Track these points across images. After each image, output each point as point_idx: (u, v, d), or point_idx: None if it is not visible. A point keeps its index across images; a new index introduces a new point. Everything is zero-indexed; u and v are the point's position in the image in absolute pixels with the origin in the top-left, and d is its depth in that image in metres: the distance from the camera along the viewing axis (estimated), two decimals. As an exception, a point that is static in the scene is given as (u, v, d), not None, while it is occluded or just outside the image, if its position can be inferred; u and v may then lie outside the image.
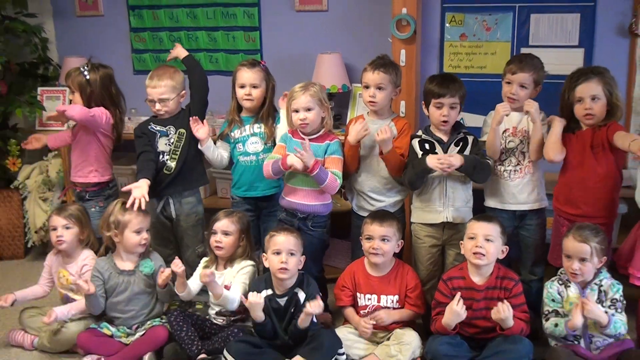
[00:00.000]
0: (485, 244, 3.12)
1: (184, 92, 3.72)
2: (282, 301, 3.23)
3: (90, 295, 3.32)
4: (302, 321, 3.12)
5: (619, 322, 2.96)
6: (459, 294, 3.09)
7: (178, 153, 3.68)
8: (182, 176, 3.70)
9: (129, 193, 3.40)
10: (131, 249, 3.43)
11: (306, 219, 3.47)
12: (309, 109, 3.38)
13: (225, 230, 3.40)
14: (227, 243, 3.39)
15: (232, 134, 3.75)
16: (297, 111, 3.39)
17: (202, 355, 3.22)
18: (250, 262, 3.45)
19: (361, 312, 3.38)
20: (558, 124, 3.27)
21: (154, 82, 3.62)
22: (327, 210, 3.53)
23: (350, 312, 3.42)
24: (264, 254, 3.29)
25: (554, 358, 3.05)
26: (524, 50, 3.87)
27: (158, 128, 3.69)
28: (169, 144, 3.68)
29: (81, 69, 3.75)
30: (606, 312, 2.97)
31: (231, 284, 3.35)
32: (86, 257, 3.57)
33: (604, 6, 3.94)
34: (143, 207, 3.37)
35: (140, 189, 3.41)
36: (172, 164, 3.67)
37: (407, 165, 3.42)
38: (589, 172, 3.24)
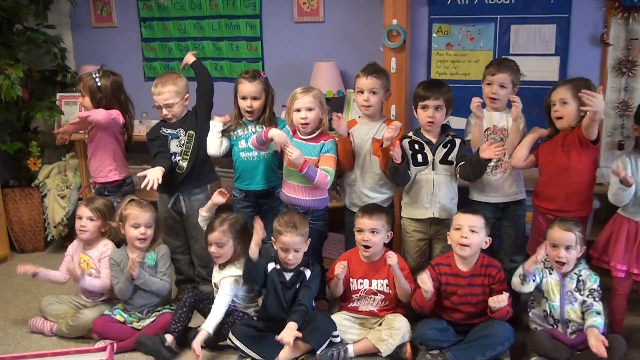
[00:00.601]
0: (470, 235, 3.13)
1: (187, 95, 3.71)
2: (289, 276, 3.25)
3: (127, 280, 3.36)
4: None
5: (600, 314, 2.97)
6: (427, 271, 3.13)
7: (189, 153, 3.68)
8: (193, 175, 3.71)
9: (143, 179, 3.38)
10: (130, 242, 3.45)
11: (306, 213, 3.47)
12: (310, 109, 3.39)
13: (218, 242, 3.33)
14: (222, 253, 3.35)
15: (235, 132, 3.74)
16: (299, 110, 3.39)
17: (170, 337, 3.21)
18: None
19: (353, 296, 3.39)
20: (533, 134, 3.28)
21: (158, 89, 3.62)
22: (323, 204, 3.54)
23: (333, 283, 3.38)
24: (273, 238, 3.30)
25: (532, 341, 3.07)
26: (504, 59, 3.87)
27: (169, 131, 3.69)
28: (180, 146, 3.68)
29: (93, 75, 3.76)
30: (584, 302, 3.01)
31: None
32: (105, 244, 3.59)
33: (577, 17, 3.94)
34: (155, 187, 3.36)
35: (155, 172, 3.41)
36: (184, 164, 3.68)
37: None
38: (562, 170, 3.25)
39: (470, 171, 3.33)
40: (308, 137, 3.45)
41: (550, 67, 3.95)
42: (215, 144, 3.70)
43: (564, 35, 3.97)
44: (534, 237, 3.43)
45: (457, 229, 3.17)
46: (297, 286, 3.26)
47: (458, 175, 3.41)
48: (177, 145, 3.69)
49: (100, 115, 3.64)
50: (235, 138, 3.73)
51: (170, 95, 3.61)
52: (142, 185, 3.36)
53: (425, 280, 3.06)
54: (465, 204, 3.48)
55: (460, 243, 3.14)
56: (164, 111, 3.64)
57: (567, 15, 3.95)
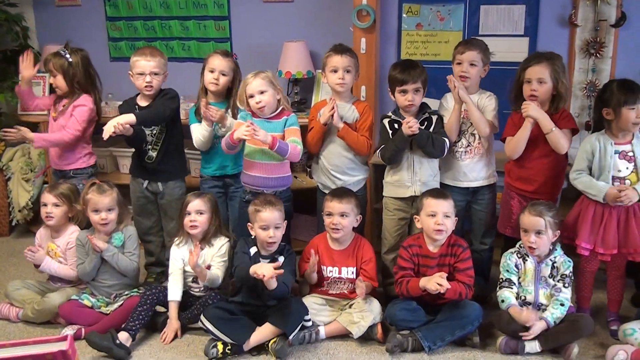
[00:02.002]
0: (445, 221, 3.14)
1: (167, 73, 3.65)
2: (265, 261, 3.20)
3: (93, 259, 3.32)
4: (267, 283, 3.06)
5: (564, 306, 3.03)
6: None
7: (159, 144, 3.63)
8: (163, 167, 3.66)
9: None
10: (94, 226, 3.39)
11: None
12: (262, 92, 3.34)
13: (199, 210, 3.35)
14: (202, 222, 3.36)
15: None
16: (252, 96, 3.36)
17: (126, 335, 3.13)
18: (225, 239, 3.43)
19: (325, 282, 3.38)
20: (528, 125, 3.23)
21: (147, 57, 3.54)
22: (287, 182, 3.52)
23: (308, 272, 3.39)
24: (249, 223, 3.26)
25: (500, 321, 3.10)
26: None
27: None
28: (151, 135, 3.62)
29: (61, 52, 3.67)
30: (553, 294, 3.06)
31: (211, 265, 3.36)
32: (72, 231, 3.53)
33: (546, -1, 3.96)
34: (119, 130, 3.32)
35: (121, 118, 3.37)
36: (153, 154, 3.63)
37: (382, 143, 3.40)
38: (540, 151, 3.28)
39: (393, 149, 3.33)
40: (270, 115, 3.43)
41: (519, 47, 3.95)
42: (205, 142, 3.62)
43: (533, 16, 3.98)
44: (504, 217, 3.46)
45: (432, 215, 3.16)
46: None
47: (379, 155, 3.40)
48: (148, 134, 3.62)
49: (65, 136, 3.64)
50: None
51: (158, 64, 3.55)
52: (106, 134, 3.31)
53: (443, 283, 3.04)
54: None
55: (436, 229, 3.14)
56: (147, 78, 3.53)
57: (536, -5, 3.96)
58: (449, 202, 3.18)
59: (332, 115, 3.36)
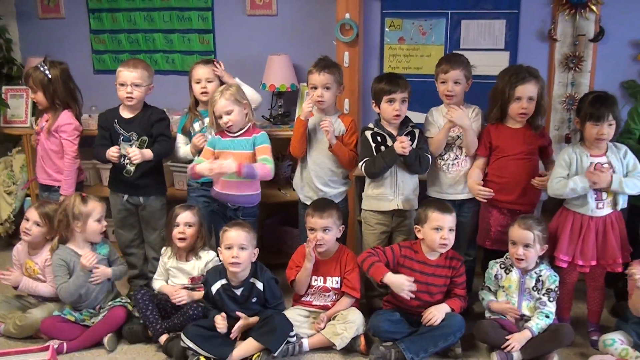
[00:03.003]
0: (449, 235, 3.16)
1: (152, 85, 3.65)
2: (238, 291, 3.20)
3: (80, 278, 3.27)
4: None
5: (549, 318, 3.07)
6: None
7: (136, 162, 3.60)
8: (142, 181, 3.64)
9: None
10: (93, 237, 3.37)
11: (237, 210, 3.50)
12: (228, 112, 3.38)
13: (188, 222, 3.36)
14: (190, 234, 3.36)
15: (193, 126, 3.72)
16: (220, 117, 3.40)
17: (165, 336, 3.18)
18: (214, 253, 3.41)
19: (308, 290, 3.39)
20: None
21: (130, 68, 3.55)
22: (255, 201, 3.54)
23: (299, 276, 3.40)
24: (219, 247, 3.25)
25: (479, 330, 3.12)
26: (456, 53, 3.91)
27: (122, 132, 3.60)
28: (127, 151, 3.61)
29: (40, 67, 3.66)
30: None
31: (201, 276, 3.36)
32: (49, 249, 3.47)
33: (526, 14, 4.00)
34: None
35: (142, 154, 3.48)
36: (131, 169, 3.60)
37: (364, 156, 3.39)
38: (521, 165, 3.33)
39: (382, 164, 3.34)
40: (238, 133, 3.45)
41: (500, 61, 3.98)
42: (185, 154, 3.71)
43: (514, 30, 4.03)
44: (483, 230, 3.49)
45: (437, 229, 3.16)
46: (254, 300, 3.22)
47: (363, 169, 3.39)
48: (125, 149, 3.59)
49: (69, 166, 3.71)
50: (193, 133, 3.71)
51: (141, 75, 3.55)
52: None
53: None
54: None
55: (442, 244, 3.16)
56: (128, 89, 3.53)
57: (516, 11, 4.01)
58: (453, 216, 3.20)
59: (327, 131, 3.37)
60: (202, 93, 3.65)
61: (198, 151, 3.58)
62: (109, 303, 3.38)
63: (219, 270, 3.25)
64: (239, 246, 3.15)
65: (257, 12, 4.48)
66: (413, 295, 3.11)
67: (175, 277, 3.41)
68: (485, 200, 3.36)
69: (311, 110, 3.42)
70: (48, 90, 3.66)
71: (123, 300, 3.40)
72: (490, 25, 4.07)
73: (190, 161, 3.62)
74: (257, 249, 3.26)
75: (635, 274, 2.94)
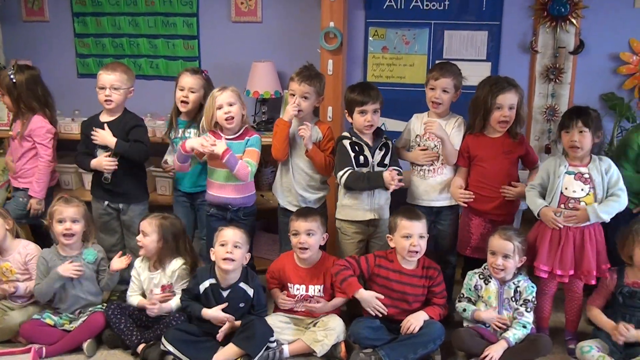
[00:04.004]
0: (420, 242, 3.17)
1: (132, 89, 3.63)
2: (225, 293, 3.19)
3: (54, 281, 3.26)
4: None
5: (526, 328, 3.10)
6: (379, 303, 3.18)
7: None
8: (121, 188, 3.63)
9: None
10: (58, 239, 3.34)
11: (238, 211, 3.49)
12: (231, 104, 3.38)
13: (143, 231, 3.33)
14: (145, 243, 3.32)
15: (171, 135, 3.76)
16: (220, 108, 3.37)
17: (142, 345, 3.15)
18: (181, 261, 3.36)
19: (292, 300, 3.38)
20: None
21: (109, 70, 3.54)
22: (251, 201, 3.56)
23: (275, 291, 3.43)
24: (212, 248, 3.24)
25: (457, 338, 3.13)
26: (438, 63, 3.95)
27: (92, 133, 3.57)
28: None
29: (8, 72, 3.66)
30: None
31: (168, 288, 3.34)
32: (25, 245, 3.46)
33: (508, 26, 4.06)
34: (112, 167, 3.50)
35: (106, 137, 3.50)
36: (109, 176, 3.60)
37: (342, 164, 3.38)
38: (500, 174, 3.36)
39: (365, 185, 3.35)
40: (233, 136, 3.44)
41: (482, 72, 4.01)
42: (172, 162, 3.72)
43: (495, 42, 4.08)
44: (463, 238, 3.51)
45: (407, 236, 3.17)
46: (241, 305, 3.21)
47: (343, 179, 3.37)
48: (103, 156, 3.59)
49: (43, 168, 3.72)
50: (172, 139, 3.73)
51: (119, 78, 3.53)
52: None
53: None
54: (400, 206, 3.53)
55: (411, 251, 3.17)
56: (107, 92, 3.52)
57: (498, 23, 4.06)
58: (422, 223, 3.21)
59: (304, 136, 3.38)
60: (182, 102, 3.65)
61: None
62: (90, 309, 3.35)
63: (209, 269, 3.24)
64: (233, 243, 3.15)
65: (242, 19, 4.49)
66: (380, 314, 3.16)
67: (146, 282, 3.38)
68: (465, 205, 3.38)
69: (296, 113, 3.42)
70: (13, 95, 3.68)
71: (104, 307, 3.37)
72: (473, 36, 4.12)
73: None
74: (250, 253, 3.26)
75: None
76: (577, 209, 3.10)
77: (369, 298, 3.17)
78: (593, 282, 3.17)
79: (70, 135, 4.24)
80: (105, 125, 3.54)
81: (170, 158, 3.76)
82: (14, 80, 3.64)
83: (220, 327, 3.13)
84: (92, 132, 3.53)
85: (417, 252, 3.18)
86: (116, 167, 3.51)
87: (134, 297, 3.40)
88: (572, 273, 3.17)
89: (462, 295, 3.26)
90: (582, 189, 3.12)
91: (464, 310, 3.20)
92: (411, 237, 3.16)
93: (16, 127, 3.78)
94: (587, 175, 3.12)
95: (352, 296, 3.19)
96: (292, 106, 3.42)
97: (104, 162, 3.53)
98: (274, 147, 3.51)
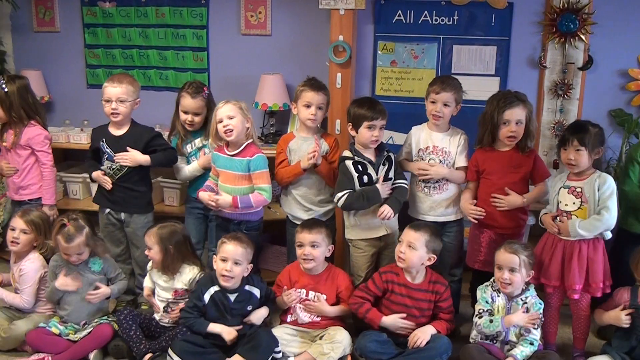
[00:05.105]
0: (406, 250, 3.18)
1: (138, 100, 3.64)
2: (233, 297, 3.20)
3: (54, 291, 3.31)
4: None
5: (533, 345, 3.08)
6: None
7: (115, 178, 3.59)
8: (124, 197, 3.63)
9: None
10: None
11: (240, 224, 3.48)
12: (230, 117, 3.37)
13: (147, 244, 3.34)
14: (152, 256, 3.33)
15: (185, 149, 3.75)
16: (221, 121, 3.38)
17: (149, 355, 3.15)
18: (197, 269, 3.37)
19: (296, 307, 3.38)
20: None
21: (115, 83, 3.55)
22: (257, 217, 3.54)
23: (280, 298, 3.41)
24: (214, 255, 3.25)
25: (465, 354, 3.11)
26: (447, 78, 3.96)
27: (107, 150, 3.59)
28: (110, 169, 3.60)
29: (0, 82, 3.71)
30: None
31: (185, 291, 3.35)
32: (31, 259, 3.45)
33: (517, 41, 4.08)
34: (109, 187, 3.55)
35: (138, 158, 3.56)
36: (109, 186, 3.62)
37: (344, 185, 3.37)
38: (508, 188, 3.35)
39: (363, 204, 3.35)
40: (235, 151, 3.43)
41: (490, 87, 4.05)
42: (186, 175, 3.77)
43: (504, 57, 4.10)
44: (472, 251, 3.51)
45: (399, 242, 3.23)
46: (249, 308, 3.23)
47: (342, 201, 3.36)
48: (108, 167, 3.60)
49: (48, 175, 3.79)
50: (187, 155, 3.77)
51: (126, 91, 3.54)
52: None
53: None
54: (409, 220, 3.54)
55: (397, 256, 3.21)
56: (113, 105, 3.53)
57: (507, 38, 4.08)
58: (418, 234, 3.20)
59: (315, 153, 3.40)
60: (188, 124, 3.70)
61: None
62: (95, 320, 3.36)
63: (212, 277, 3.25)
64: (233, 261, 3.15)
65: (252, 32, 4.52)
66: (409, 331, 3.19)
67: (161, 291, 3.39)
68: (476, 221, 3.38)
69: (313, 163, 3.43)
70: (5, 104, 3.71)
71: (110, 318, 3.37)
72: (481, 51, 4.14)
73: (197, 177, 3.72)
74: (252, 264, 3.26)
75: None
76: (563, 221, 3.15)
77: (393, 322, 3.20)
78: (575, 296, 3.17)
79: (79, 145, 4.26)
80: (128, 147, 3.56)
81: (187, 171, 3.76)
82: (6, 90, 3.69)
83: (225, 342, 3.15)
84: (120, 157, 3.54)
85: (401, 258, 3.21)
86: (111, 185, 3.57)
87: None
88: (558, 284, 3.19)
89: (481, 311, 3.18)
90: (573, 203, 3.15)
91: (491, 321, 3.10)
92: (401, 243, 3.21)
93: (8, 136, 3.80)
94: (579, 190, 3.14)
95: (378, 326, 3.22)
96: (309, 156, 3.41)
97: (102, 180, 3.58)
98: (281, 179, 3.53)
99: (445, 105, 3.41)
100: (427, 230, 3.24)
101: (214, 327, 3.15)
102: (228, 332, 3.14)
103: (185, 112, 3.67)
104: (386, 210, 3.32)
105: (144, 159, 3.56)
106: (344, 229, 3.58)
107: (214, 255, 3.25)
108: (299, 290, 3.36)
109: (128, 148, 3.55)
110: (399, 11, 4.22)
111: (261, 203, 3.42)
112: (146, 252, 3.35)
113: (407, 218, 3.57)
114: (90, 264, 3.37)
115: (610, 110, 4.00)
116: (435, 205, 3.49)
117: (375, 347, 3.13)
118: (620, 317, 3.08)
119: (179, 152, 3.74)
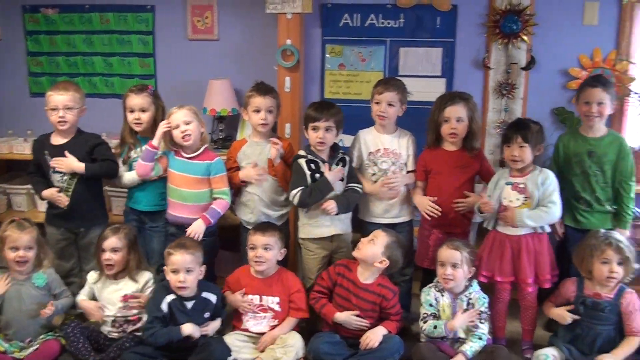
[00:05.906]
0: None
1: (85, 107, 3.58)
2: (190, 304, 3.18)
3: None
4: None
5: (482, 339, 3.14)
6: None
7: (71, 191, 3.53)
8: (79, 213, 3.56)
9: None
10: (9, 266, 3.27)
11: None
12: (187, 123, 3.37)
13: (113, 247, 3.29)
14: (117, 260, 3.30)
15: (131, 155, 3.65)
16: (177, 127, 3.37)
17: None
18: (149, 275, 3.37)
19: (247, 312, 3.38)
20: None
21: (61, 90, 3.48)
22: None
23: (228, 294, 3.40)
24: (165, 267, 3.22)
25: (417, 353, 3.15)
26: (394, 80, 4.01)
27: (52, 163, 3.52)
28: (61, 182, 3.53)
29: None
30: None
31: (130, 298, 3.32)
32: None
33: (462, 43, 4.17)
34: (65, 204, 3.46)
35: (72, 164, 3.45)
36: (67, 192, 3.54)
37: (297, 183, 3.39)
38: (454, 187, 3.43)
39: (318, 196, 3.37)
40: (192, 155, 3.43)
41: (436, 88, 4.12)
42: (131, 180, 3.63)
43: (450, 58, 4.18)
44: (421, 250, 3.57)
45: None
46: (206, 315, 3.21)
47: (296, 198, 3.38)
48: (58, 181, 3.53)
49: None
50: (129, 161, 3.65)
51: (72, 98, 3.48)
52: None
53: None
54: (361, 224, 3.59)
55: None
56: (61, 113, 3.46)
57: (452, 40, 4.16)
58: (384, 236, 3.27)
59: (276, 152, 3.44)
60: (135, 123, 3.60)
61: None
62: (41, 336, 3.28)
63: (165, 287, 3.21)
64: (184, 270, 3.13)
65: (199, 37, 4.50)
66: (364, 327, 3.22)
67: (107, 304, 3.33)
68: (429, 218, 3.42)
69: (260, 182, 3.47)
70: None
71: (57, 334, 3.30)
72: (428, 53, 4.21)
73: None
74: (205, 266, 3.24)
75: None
76: (507, 209, 3.24)
77: (346, 319, 3.23)
78: (529, 289, 3.27)
79: (23, 156, 4.18)
80: (66, 152, 3.48)
81: (127, 176, 3.68)
82: None
83: (181, 348, 3.12)
84: (54, 161, 3.47)
85: (359, 249, 3.28)
86: (67, 202, 3.48)
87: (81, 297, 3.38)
88: (512, 279, 3.28)
89: (425, 315, 3.22)
90: (517, 199, 3.25)
91: (435, 327, 3.15)
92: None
93: None
94: (522, 186, 3.24)
95: (332, 322, 3.25)
96: (256, 174, 3.44)
97: (56, 198, 3.49)
98: (232, 184, 3.52)
99: (389, 105, 3.46)
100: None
101: (187, 328, 3.10)
102: (200, 330, 3.14)
103: (132, 111, 3.58)
104: (331, 204, 3.34)
105: (78, 166, 3.47)
106: (296, 234, 3.60)
107: (164, 267, 3.22)
108: (252, 297, 3.36)
109: (66, 153, 3.47)
110: (346, 14, 4.26)
111: (225, 207, 3.43)
112: (106, 257, 3.28)
113: (359, 222, 3.61)
114: (34, 279, 3.30)
115: (553, 108, 4.11)
116: (389, 207, 3.53)
117: (328, 348, 3.15)
118: (564, 315, 3.16)
119: (124, 162, 3.65)
